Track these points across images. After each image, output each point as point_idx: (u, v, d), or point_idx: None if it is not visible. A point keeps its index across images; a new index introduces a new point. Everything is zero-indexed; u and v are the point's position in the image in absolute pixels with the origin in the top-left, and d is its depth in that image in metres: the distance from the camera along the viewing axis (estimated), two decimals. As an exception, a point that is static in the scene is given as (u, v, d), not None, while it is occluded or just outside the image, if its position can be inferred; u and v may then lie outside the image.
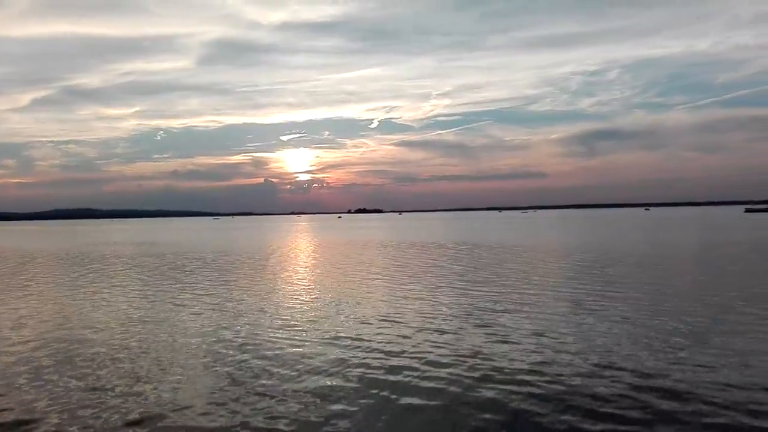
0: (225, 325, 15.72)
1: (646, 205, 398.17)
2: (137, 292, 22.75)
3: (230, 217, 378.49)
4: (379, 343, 13.20)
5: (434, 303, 18.63)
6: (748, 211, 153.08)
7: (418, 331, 14.28)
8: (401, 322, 15.51)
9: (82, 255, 46.25)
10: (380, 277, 26.62)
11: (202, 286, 24.41)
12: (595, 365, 10.93)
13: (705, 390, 9.35)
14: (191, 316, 17.26)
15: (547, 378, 10.22)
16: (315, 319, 16.37)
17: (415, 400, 9.25)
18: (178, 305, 19.25)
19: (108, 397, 9.60)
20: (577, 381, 10.00)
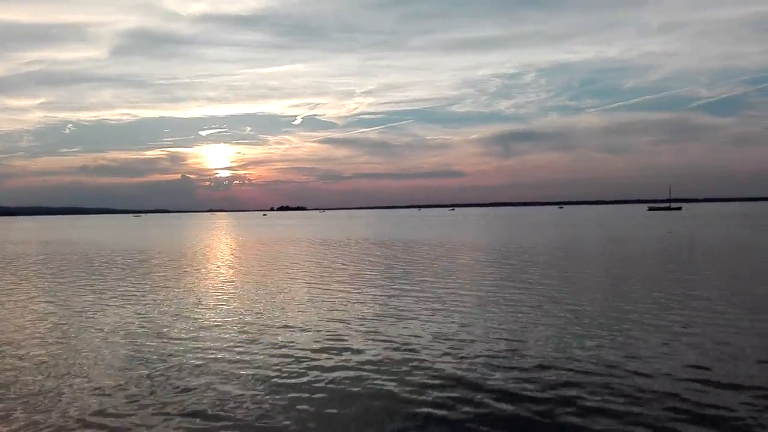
0: (138, 329, 15.18)
1: (560, 204, 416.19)
2: (44, 295, 21.54)
3: (143, 214, 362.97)
4: (295, 342, 13.19)
5: (347, 298, 18.80)
6: (651, 209, 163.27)
7: (330, 328, 14.39)
8: (315, 321, 15.54)
9: (-21, 254, 43.07)
10: (296, 275, 26.47)
11: (112, 288, 23.41)
12: (500, 354, 11.43)
13: (595, 376, 10.01)
14: (98, 319, 16.56)
15: (456, 371, 10.58)
16: (231, 320, 16.11)
17: (326, 397, 9.34)
18: (86, 309, 18.41)
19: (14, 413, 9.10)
20: (483, 369, 10.43)
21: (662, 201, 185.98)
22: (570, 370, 10.16)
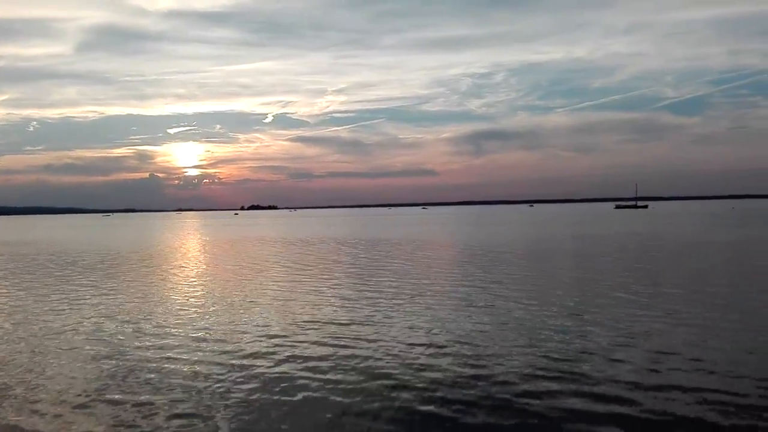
0: (103, 332, 14.69)
1: (530, 202, 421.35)
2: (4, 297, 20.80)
3: (113, 214, 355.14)
4: (265, 343, 12.91)
5: (315, 299, 18.56)
6: (617, 207, 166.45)
7: (298, 327, 14.14)
8: (283, 322, 15.29)
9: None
10: (256, 275, 26.14)
11: (77, 289, 22.74)
12: (470, 351, 11.32)
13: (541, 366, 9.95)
14: (50, 321, 16.01)
15: (422, 368, 10.43)
16: (197, 320, 15.74)
17: (294, 398, 9.11)
18: (51, 310, 17.79)
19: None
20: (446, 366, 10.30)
21: (629, 199, 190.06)
22: (526, 366, 10.09)
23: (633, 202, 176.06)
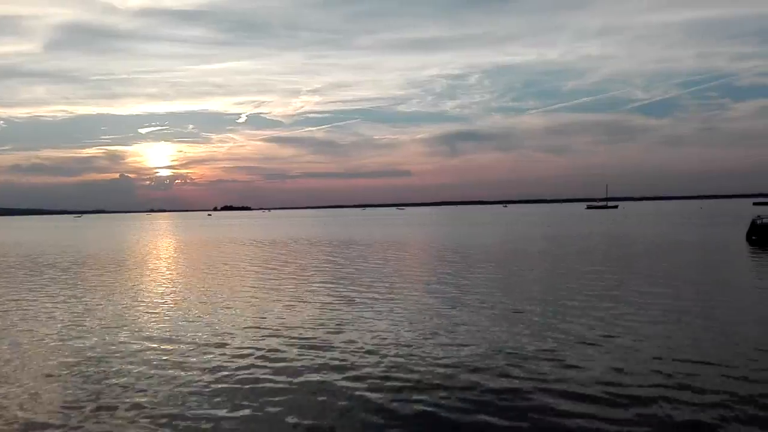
0: (74, 334, 14.59)
1: (504, 203, 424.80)
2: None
3: (84, 215, 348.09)
4: (239, 345, 12.97)
5: (283, 301, 18.67)
6: (588, 208, 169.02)
7: (267, 327, 14.26)
8: (255, 322, 15.36)
9: None
10: (221, 277, 26.08)
11: (47, 291, 22.43)
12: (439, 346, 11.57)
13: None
14: (34, 323, 15.83)
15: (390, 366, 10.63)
16: (161, 324, 15.71)
17: (259, 398, 9.25)
18: (20, 311, 17.57)
19: None
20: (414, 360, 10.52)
21: (600, 200, 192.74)
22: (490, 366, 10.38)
23: (604, 203, 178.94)
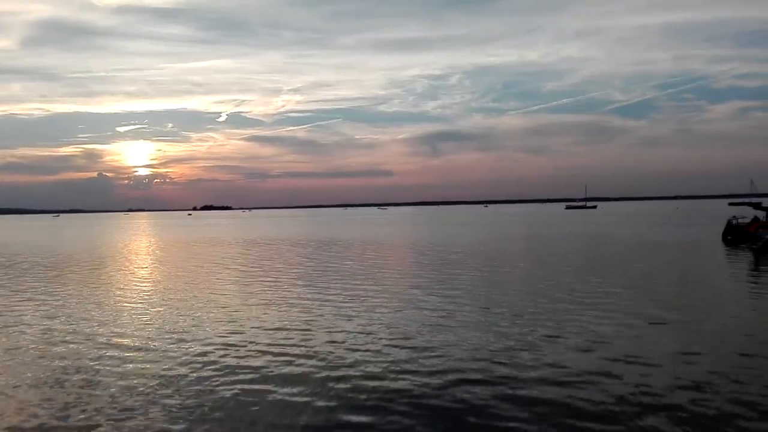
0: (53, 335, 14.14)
1: (485, 202, 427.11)
2: None
3: (62, 214, 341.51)
4: (215, 346, 12.68)
5: (259, 301, 18.41)
6: (568, 208, 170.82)
7: (238, 330, 14.03)
8: (235, 323, 15.07)
9: None
10: (213, 278, 25.73)
11: (21, 292, 21.86)
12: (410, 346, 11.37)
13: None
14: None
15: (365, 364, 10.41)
16: (137, 324, 15.37)
17: (231, 399, 9.01)
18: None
19: None
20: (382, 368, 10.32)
21: (579, 200, 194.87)
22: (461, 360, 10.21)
23: (583, 203, 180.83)
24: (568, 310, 15.24)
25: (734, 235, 37.59)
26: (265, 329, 13.82)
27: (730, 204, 49.72)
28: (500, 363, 10.45)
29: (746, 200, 48.32)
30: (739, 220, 39.01)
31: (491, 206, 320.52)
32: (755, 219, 37.54)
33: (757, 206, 39.88)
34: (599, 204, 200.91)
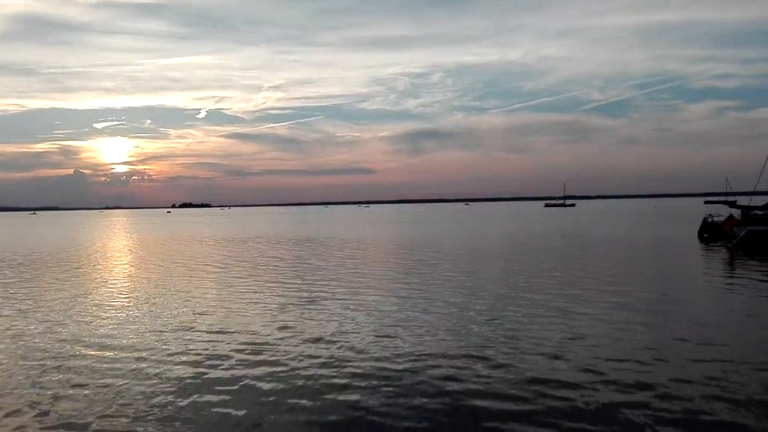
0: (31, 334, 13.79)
1: (466, 201, 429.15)
2: None
3: (35, 212, 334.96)
4: (196, 347, 12.46)
5: (235, 300, 18.21)
6: (547, 206, 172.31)
7: (215, 328, 13.82)
8: (199, 322, 14.88)
9: None
10: (188, 276, 25.40)
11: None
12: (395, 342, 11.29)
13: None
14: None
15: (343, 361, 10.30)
16: (110, 325, 15.07)
17: (210, 400, 8.83)
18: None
19: None
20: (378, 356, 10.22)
21: (558, 198, 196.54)
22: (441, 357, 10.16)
23: (562, 201, 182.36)
24: (541, 307, 15.28)
25: (710, 233, 38.17)
26: (240, 324, 13.64)
27: (706, 202, 50.62)
28: (477, 358, 10.43)
29: (722, 199, 49.12)
30: (715, 218, 39.64)
31: (472, 204, 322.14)
32: (730, 217, 38.18)
33: (732, 205, 40.59)
34: (578, 202, 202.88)
